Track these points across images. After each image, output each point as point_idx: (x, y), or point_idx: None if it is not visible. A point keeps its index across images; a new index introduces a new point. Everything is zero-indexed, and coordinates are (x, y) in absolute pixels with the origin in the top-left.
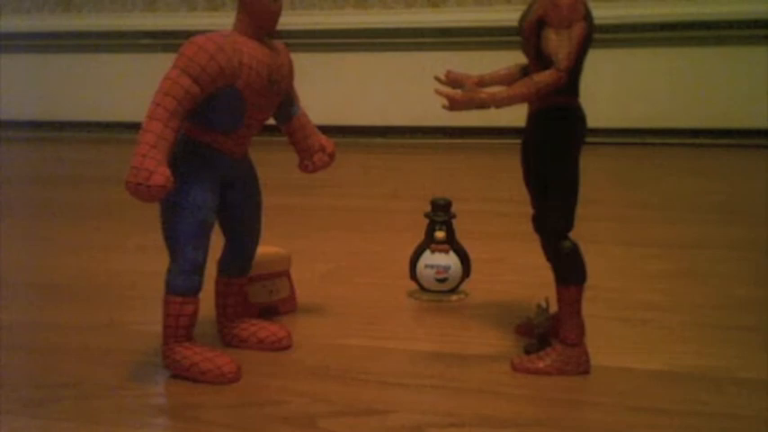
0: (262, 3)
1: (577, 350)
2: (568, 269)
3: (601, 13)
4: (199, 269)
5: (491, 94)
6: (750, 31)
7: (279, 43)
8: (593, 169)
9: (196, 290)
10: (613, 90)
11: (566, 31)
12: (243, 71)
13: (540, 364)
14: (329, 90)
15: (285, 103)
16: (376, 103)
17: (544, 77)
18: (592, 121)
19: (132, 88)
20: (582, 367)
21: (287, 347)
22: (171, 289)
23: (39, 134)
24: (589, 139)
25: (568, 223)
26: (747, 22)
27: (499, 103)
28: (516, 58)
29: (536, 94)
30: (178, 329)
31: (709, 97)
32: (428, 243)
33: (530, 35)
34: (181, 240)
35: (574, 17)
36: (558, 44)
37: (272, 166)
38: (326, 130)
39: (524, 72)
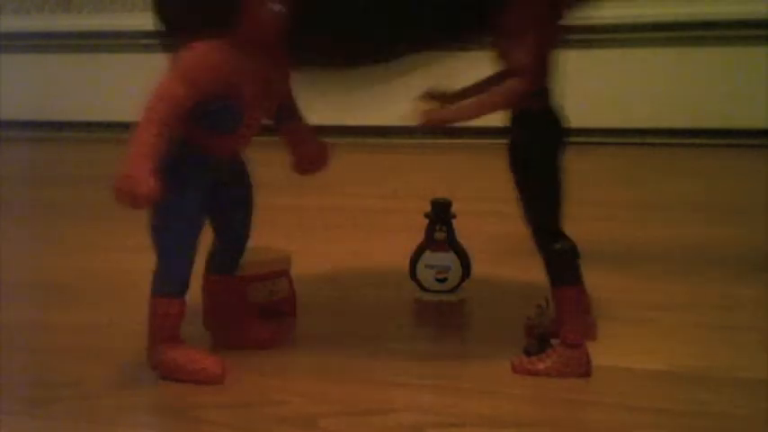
0: (265, 11)
1: (578, 351)
2: (560, 270)
3: (601, 13)
4: (187, 270)
5: (456, 109)
6: (750, 31)
7: (279, 46)
8: (593, 169)
9: (183, 291)
10: (613, 90)
11: (526, 35)
12: (243, 79)
13: (540, 366)
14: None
15: (283, 106)
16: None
17: (510, 84)
18: (592, 122)
19: (132, 88)
20: (583, 368)
21: (269, 347)
22: (157, 290)
23: (39, 134)
24: (589, 140)
25: (556, 223)
26: (747, 22)
27: (466, 117)
28: None
29: (506, 103)
30: (164, 330)
31: (709, 97)
32: (428, 243)
33: (498, 41)
34: (170, 242)
35: (533, 21)
36: (520, 49)
37: (272, 166)
38: (327, 129)
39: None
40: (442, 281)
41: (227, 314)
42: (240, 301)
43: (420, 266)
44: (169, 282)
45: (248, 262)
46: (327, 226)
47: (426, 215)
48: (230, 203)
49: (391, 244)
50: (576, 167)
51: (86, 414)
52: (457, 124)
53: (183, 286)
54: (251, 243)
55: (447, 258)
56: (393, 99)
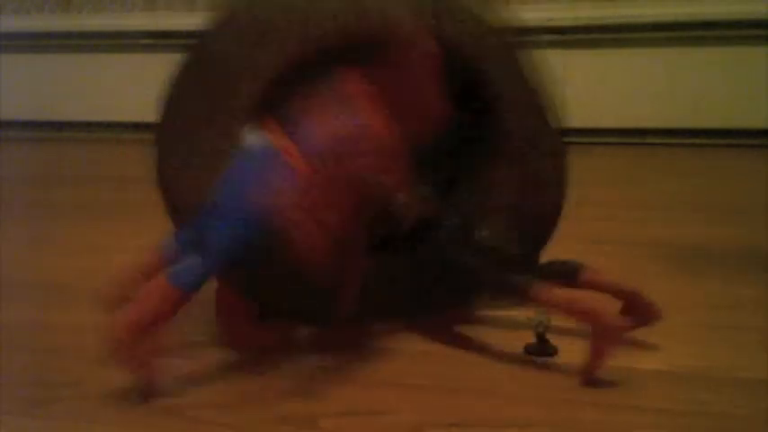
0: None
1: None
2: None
3: (601, 13)
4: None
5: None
6: (750, 31)
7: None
8: (593, 169)
9: (193, 288)
10: (613, 90)
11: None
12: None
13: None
14: None
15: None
16: None
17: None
18: (592, 121)
19: (132, 88)
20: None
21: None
22: (174, 281)
23: (39, 134)
24: (589, 140)
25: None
26: (747, 22)
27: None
28: None
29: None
30: (150, 318)
31: (709, 97)
32: None
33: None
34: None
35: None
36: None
37: None
38: None
39: None
40: None
41: (229, 315)
42: (241, 302)
43: None
44: (184, 275)
45: None
46: None
47: None
48: None
49: None
50: (578, 167)
51: (86, 414)
52: None
53: (196, 286)
54: None
55: None
56: None
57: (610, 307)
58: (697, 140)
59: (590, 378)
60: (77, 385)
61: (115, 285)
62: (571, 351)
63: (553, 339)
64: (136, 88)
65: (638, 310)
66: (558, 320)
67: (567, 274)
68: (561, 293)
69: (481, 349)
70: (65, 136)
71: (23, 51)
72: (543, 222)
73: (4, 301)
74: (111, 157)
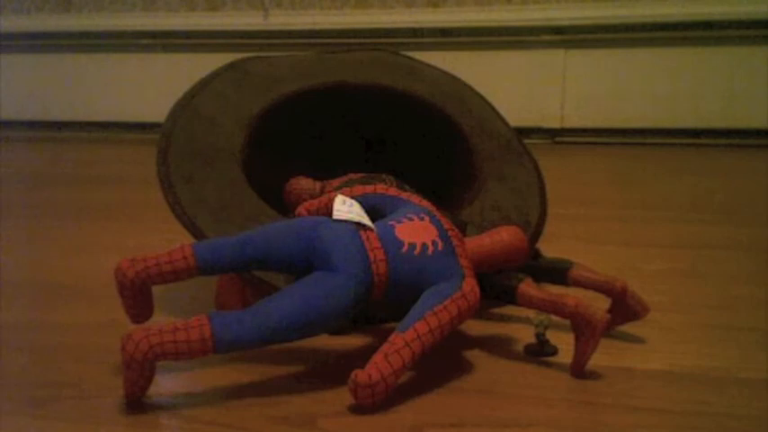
0: None
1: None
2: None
3: (601, 13)
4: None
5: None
6: (750, 31)
7: None
8: (593, 169)
9: (202, 254)
10: (613, 90)
11: None
12: None
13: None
14: None
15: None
16: None
17: None
18: (592, 121)
19: (132, 88)
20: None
21: None
22: (215, 328)
23: (39, 134)
24: (589, 139)
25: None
26: (747, 22)
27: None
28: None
29: None
30: (171, 351)
31: (709, 97)
32: None
33: None
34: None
35: None
36: None
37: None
38: None
39: None
40: None
41: (228, 302)
42: (240, 290)
43: None
44: (229, 331)
45: None
46: None
47: None
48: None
49: None
50: (577, 167)
51: (86, 414)
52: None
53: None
54: None
55: None
56: None
57: (597, 304)
58: (697, 140)
59: (579, 374)
60: (77, 385)
61: None
62: (571, 351)
63: (553, 339)
64: (135, 88)
65: (627, 306)
66: (558, 320)
67: (557, 273)
68: (546, 292)
69: (481, 349)
70: (65, 136)
71: (23, 51)
72: (528, 221)
73: (4, 301)
74: (111, 157)
